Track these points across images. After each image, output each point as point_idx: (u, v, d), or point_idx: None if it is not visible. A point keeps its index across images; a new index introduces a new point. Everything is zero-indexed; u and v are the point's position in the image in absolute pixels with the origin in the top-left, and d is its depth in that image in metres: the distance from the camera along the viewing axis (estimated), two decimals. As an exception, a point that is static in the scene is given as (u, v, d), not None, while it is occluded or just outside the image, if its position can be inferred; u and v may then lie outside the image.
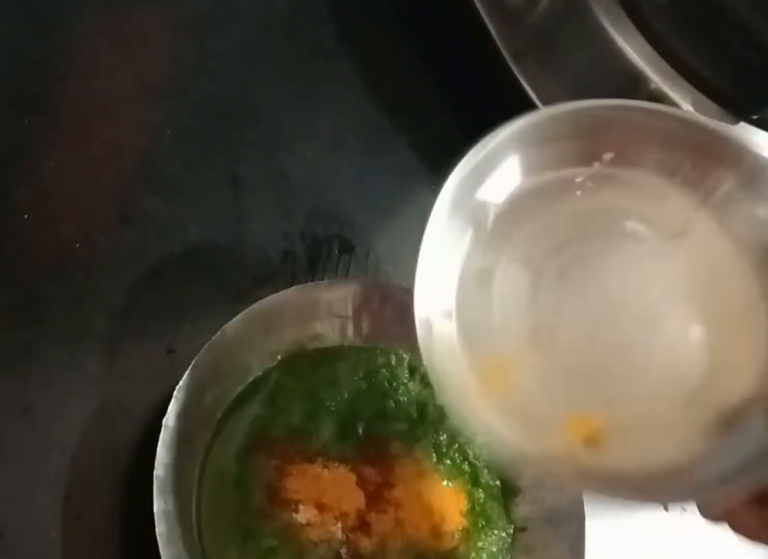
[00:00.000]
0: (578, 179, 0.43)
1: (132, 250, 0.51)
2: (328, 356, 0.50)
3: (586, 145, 0.43)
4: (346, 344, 0.50)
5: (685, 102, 0.56)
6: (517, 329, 0.40)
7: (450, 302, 0.39)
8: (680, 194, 0.42)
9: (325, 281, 0.49)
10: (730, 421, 0.38)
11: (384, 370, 0.50)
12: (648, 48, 0.56)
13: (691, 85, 0.56)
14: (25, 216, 0.49)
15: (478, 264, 0.41)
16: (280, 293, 0.47)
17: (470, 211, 0.41)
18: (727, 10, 0.54)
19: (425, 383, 0.50)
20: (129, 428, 0.46)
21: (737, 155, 0.41)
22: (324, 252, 0.54)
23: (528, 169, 0.43)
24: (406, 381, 0.50)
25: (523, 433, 0.37)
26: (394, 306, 0.50)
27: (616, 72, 0.57)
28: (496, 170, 0.42)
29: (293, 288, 0.48)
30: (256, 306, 0.47)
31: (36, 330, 0.47)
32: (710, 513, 0.38)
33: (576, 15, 0.58)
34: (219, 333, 0.45)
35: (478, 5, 0.62)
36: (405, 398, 0.50)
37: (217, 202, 0.54)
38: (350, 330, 0.50)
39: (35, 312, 0.47)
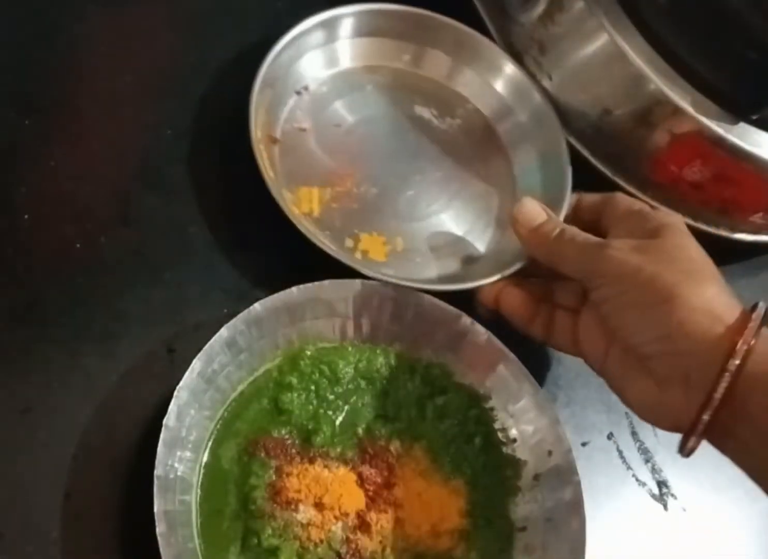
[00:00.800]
0: (379, 71, 0.60)
1: (132, 250, 0.51)
2: (329, 356, 0.49)
3: (390, 44, 0.59)
4: (346, 344, 0.50)
5: (685, 102, 0.56)
6: (324, 170, 0.55)
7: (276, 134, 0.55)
8: (449, 87, 0.61)
9: (326, 281, 0.49)
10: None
11: (384, 369, 0.50)
12: (648, 48, 0.56)
13: (691, 85, 0.56)
14: (25, 216, 0.49)
15: (297, 122, 0.56)
16: (280, 293, 0.47)
17: (294, 80, 0.56)
18: (727, 10, 0.54)
19: (425, 382, 0.51)
20: (129, 428, 0.46)
21: (471, 47, 0.60)
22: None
23: (342, 56, 0.59)
24: (405, 381, 0.50)
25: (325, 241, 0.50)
26: (394, 306, 0.50)
27: (615, 72, 0.57)
28: (314, 52, 0.57)
29: (293, 288, 0.48)
30: (256, 306, 0.47)
31: (36, 330, 0.47)
32: (485, 298, 0.51)
33: (576, 15, 0.58)
34: (219, 333, 0.45)
35: (478, 5, 0.63)
36: (405, 398, 0.50)
37: (218, 203, 0.54)
38: (350, 330, 0.50)
39: (35, 312, 0.47)
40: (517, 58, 0.61)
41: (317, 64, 0.58)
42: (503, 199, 0.58)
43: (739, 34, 0.54)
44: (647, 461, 0.57)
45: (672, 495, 0.56)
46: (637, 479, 0.56)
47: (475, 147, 0.60)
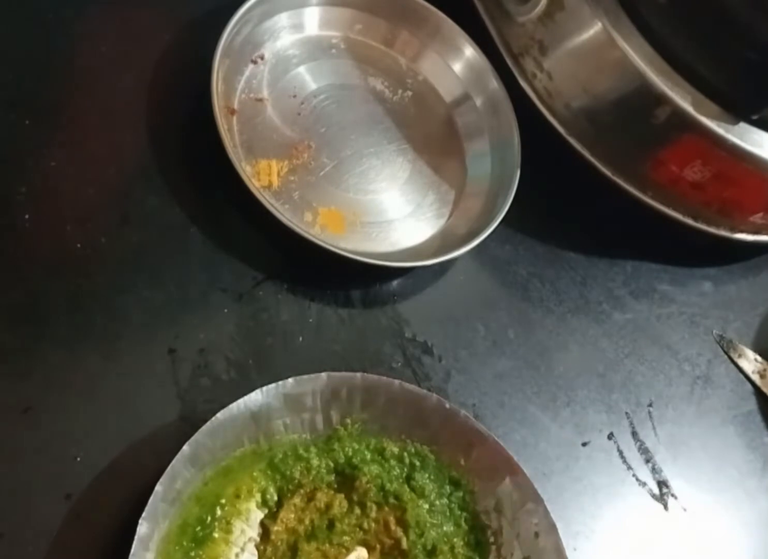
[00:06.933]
0: (334, 40, 0.61)
1: (132, 250, 0.51)
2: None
3: (341, 14, 0.61)
4: (310, 437, 0.48)
5: (685, 102, 0.56)
6: (282, 142, 0.56)
7: (233, 104, 0.56)
8: (401, 59, 0.63)
9: (290, 379, 0.46)
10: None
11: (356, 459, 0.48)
12: (648, 48, 0.56)
13: (691, 85, 0.56)
14: (26, 216, 0.49)
15: (255, 93, 0.57)
16: (243, 398, 0.45)
17: (253, 47, 0.57)
18: (727, 9, 0.54)
19: (402, 466, 0.49)
20: (129, 427, 0.46)
21: (424, 19, 0.62)
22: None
23: (300, 25, 0.60)
24: (389, 468, 0.49)
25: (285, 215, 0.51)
26: (363, 395, 0.48)
27: (615, 72, 0.57)
28: (274, 18, 0.58)
29: (257, 391, 0.45)
30: (218, 416, 0.44)
31: (36, 330, 0.47)
32: None
33: (576, 15, 0.58)
34: (181, 451, 0.42)
35: (478, 5, 0.63)
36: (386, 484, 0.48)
37: (218, 202, 0.54)
38: (320, 423, 0.48)
39: (35, 312, 0.47)
40: (517, 58, 0.61)
41: (275, 31, 0.59)
42: (453, 177, 0.60)
43: (739, 34, 0.54)
44: (647, 461, 0.57)
45: (672, 495, 0.56)
46: (637, 479, 0.56)
47: (427, 121, 0.62)
